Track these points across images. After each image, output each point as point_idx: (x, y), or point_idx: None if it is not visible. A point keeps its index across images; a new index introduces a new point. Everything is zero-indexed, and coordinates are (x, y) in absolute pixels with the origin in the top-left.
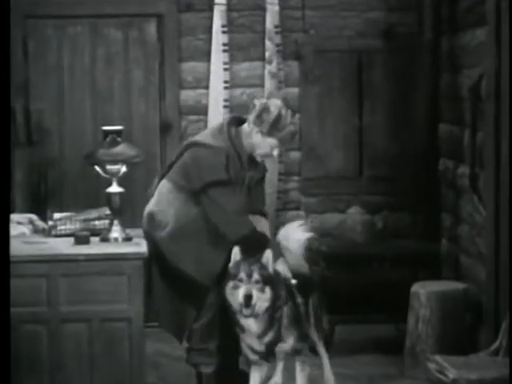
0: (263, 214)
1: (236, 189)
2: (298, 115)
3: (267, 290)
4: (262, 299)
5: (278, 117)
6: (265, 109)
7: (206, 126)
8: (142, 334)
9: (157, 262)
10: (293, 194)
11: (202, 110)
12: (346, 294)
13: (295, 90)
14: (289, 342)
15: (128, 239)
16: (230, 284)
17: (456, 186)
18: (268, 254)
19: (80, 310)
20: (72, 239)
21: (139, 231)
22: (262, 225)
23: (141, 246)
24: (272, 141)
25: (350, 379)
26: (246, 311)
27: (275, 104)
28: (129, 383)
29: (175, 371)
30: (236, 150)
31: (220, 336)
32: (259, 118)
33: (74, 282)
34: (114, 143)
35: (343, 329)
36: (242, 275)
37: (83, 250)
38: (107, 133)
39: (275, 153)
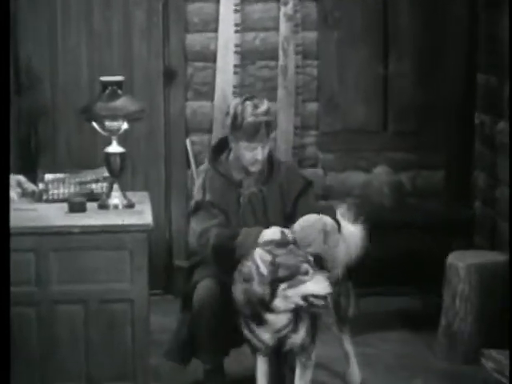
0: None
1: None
2: (265, 104)
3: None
4: None
5: (234, 115)
6: (226, 114)
7: (214, 74)
8: (146, 316)
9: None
10: (310, 149)
11: (210, 56)
12: (371, 264)
13: (313, 35)
14: (300, 334)
15: (130, 206)
16: (282, 286)
17: (493, 143)
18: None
19: (75, 289)
20: (65, 206)
21: (141, 196)
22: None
23: (144, 216)
24: (244, 144)
25: (376, 361)
26: (324, 301)
27: (233, 104)
28: (131, 373)
29: None
30: (217, 170)
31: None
32: (226, 128)
33: (68, 258)
34: (114, 96)
35: (367, 302)
36: (306, 267)
37: (78, 220)
38: (106, 84)
39: (259, 156)
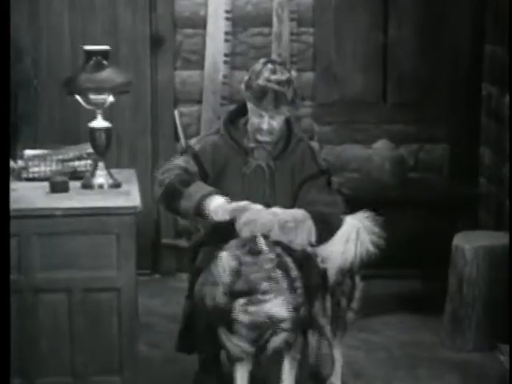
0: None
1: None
2: (285, 74)
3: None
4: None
5: (251, 72)
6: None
7: (203, 42)
8: (134, 306)
9: None
10: (305, 121)
11: (200, 23)
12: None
13: (309, 0)
14: (282, 335)
15: (116, 186)
16: (241, 301)
17: (500, 116)
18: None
19: (57, 277)
20: (46, 185)
21: (127, 174)
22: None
23: (132, 196)
24: (251, 106)
25: (379, 348)
26: (286, 324)
27: (258, 61)
28: (117, 366)
29: (169, 334)
30: (229, 132)
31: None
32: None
33: (50, 243)
34: (99, 67)
35: (367, 285)
36: (265, 286)
37: (61, 201)
38: (90, 54)
39: (264, 125)
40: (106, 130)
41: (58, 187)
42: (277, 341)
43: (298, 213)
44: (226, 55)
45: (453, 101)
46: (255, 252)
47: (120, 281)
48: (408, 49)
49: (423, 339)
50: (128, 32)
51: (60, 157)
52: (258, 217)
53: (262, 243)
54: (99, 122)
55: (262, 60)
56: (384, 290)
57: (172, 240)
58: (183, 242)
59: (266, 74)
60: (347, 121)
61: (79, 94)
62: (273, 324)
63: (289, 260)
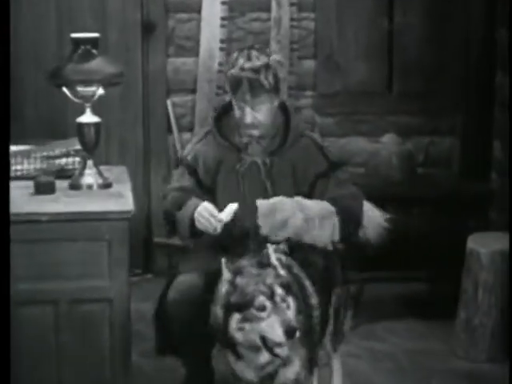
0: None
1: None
2: (261, 60)
3: (290, 301)
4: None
5: (228, 60)
6: None
7: (198, 27)
8: (127, 318)
9: None
10: (305, 112)
11: (194, 7)
12: (377, 246)
13: None
14: (293, 368)
15: (106, 186)
16: (236, 316)
17: None
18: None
19: (44, 287)
20: (31, 185)
21: (118, 172)
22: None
23: (124, 199)
24: (233, 100)
25: (384, 358)
26: (281, 351)
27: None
28: (109, 382)
29: None
30: (219, 130)
31: None
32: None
33: (35, 251)
34: (88, 57)
35: (372, 288)
36: (262, 300)
37: (47, 205)
38: (78, 42)
39: (247, 119)
40: (96, 125)
41: (44, 188)
42: (285, 375)
43: (324, 206)
44: (222, 41)
45: (463, 90)
46: (263, 265)
47: (112, 291)
48: (414, 35)
49: (432, 348)
50: (117, 17)
51: (45, 153)
52: (280, 207)
53: (272, 256)
54: (88, 117)
55: (241, 47)
56: (389, 294)
57: (164, 239)
58: (176, 241)
59: (240, 61)
60: (350, 112)
61: (66, 86)
62: (265, 347)
63: (303, 276)
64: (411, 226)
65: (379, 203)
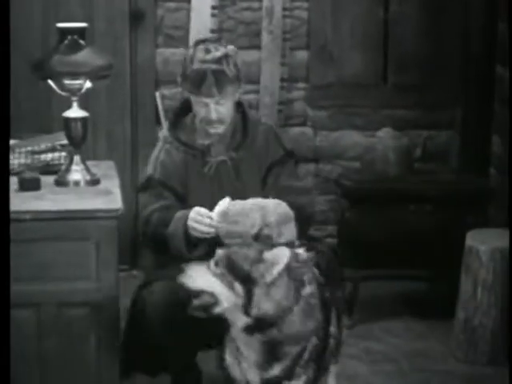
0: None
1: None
2: (220, 50)
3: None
4: None
5: (184, 60)
6: None
7: (188, 17)
8: (116, 323)
9: None
10: (298, 105)
11: None
12: (373, 243)
13: None
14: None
15: (94, 182)
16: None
17: None
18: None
19: (26, 290)
20: (15, 181)
21: (106, 167)
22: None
23: (113, 196)
24: (193, 98)
25: (383, 359)
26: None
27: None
28: None
29: None
30: (176, 137)
31: None
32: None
33: (18, 251)
34: (75, 48)
35: (368, 287)
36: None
37: (31, 202)
38: (65, 32)
39: (212, 115)
40: (83, 119)
41: (28, 185)
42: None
43: (283, 211)
44: (212, 31)
45: (461, 83)
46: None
47: (99, 294)
48: (411, 25)
49: (432, 349)
50: (104, 6)
51: (30, 148)
52: (244, 216)
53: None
54: (75, 111)
55: (193, 42)
56: (386, 293)
57: None
58: None
59: (199, 55)
60: (344, 104)
61: (52, 79)
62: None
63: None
64: (408, 223)
65: (375, 200)
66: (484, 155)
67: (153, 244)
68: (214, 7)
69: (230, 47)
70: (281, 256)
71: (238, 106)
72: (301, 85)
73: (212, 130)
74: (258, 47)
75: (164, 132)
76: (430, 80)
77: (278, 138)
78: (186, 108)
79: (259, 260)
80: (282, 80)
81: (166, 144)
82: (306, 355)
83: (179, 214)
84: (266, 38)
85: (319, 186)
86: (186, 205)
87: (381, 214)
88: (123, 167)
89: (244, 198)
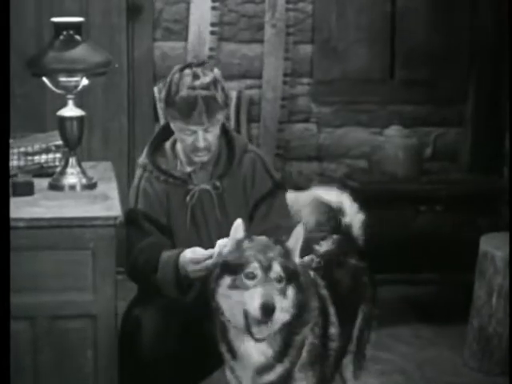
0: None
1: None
2: (210, 76)
3: (290, 292)
4: (282, 308)
5: (169, 85)
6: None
7: (187, 9)
8: (113, 337)
9: None
10: (301, 100)
11: None
12: (381, 247)
13: None
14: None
15: (90, 186)
16: (227, 280)
17: None
18: (299, 232)
19: (20, 302)
20: None
21: (103, 168)
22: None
23: (111, 201)
24: (179, 125)
25: (392, 370)
26: (258, 331)
27: (172, 71)
28: None
29: None
30: (156, 165)
31: None
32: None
33: (12, 261)
34: (71, 43)
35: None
36: (255, 267)
37: (24, 209)
38: (60, 27)
39: (200, 143)
40: (79, 119)
41: (21, 189)
42: None
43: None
44: (212, 25)
45: (471, 78)
46: (278, 241)
47: (96, 306)
48: (419, 19)
49: (443, 358)
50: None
51: (23, 149)
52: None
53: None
54: (70, 110)
55: (176, 67)
56: (395, 297)
57: None
58: None
59: (187, 81)
60: (349, 100)
61: (46, 76)
62: (246, 326)
63: (328, 300)
64: (418, 225)
65: (384, 201)
66: (497, 153)
67: (142, 286)
68: (214, 0)
69: (216, 71)
70: None
71: (223, 128)
72: (305, 80)
73: (197, 159)
74: (260, 41)
75: (143, 159)
76: (438, 75)
77: (266, 167)
78: (163, 134)
79: None
80: (286, 75)
81: (145, 172)
82: (303, 355)
83: (165, 256)
84: (268, 31)
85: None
86: (172, 237)
87: (389, 215)
88: (119, 165)
89: (228, 231)
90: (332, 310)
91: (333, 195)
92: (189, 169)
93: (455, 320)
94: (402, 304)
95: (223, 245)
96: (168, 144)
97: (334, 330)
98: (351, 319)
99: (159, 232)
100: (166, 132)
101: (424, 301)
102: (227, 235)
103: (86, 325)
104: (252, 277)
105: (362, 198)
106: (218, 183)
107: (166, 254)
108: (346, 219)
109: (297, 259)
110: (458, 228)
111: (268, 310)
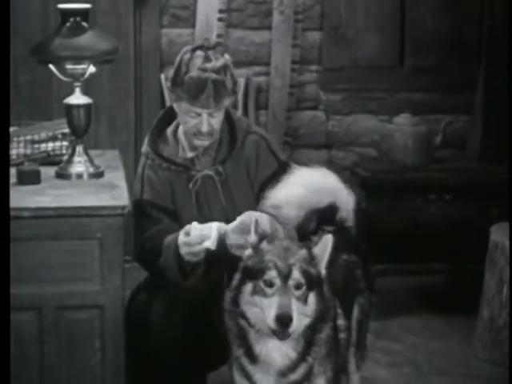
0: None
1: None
2: (221, 60)
3: (311, 300)
4: (303, 314)
5: (178, 65)
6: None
7: None
8: (121, 327)
9: None
10: (310, 88)
11: None
12: (390, 236)
13: None
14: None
15: (98, 175)
16: (249, 286)
17: None
18: (328, 240)
19: (26, 292)
20: (13, 173)
21: (110, 157)
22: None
23: (118, 190)
24: (185, 106)
25: (402, 362)
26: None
27: (182, 51)
28: None
29: None
30: (157, 152)
31: None
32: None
33: (17, 251)
34: (78, 30)
35: (384, 282)
36: (273, 275)
37: (30, 198)
38: (67, 14)
39: (204, 127)
40: (86, 106)
41: (28, 178)
42: None
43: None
44: (220, 11)
45: (481, 65)
46: (300, 245)
47: (103, 297)
48: (429, 5)
49: (453, 349)
50: None
51: (29, 137)
52: None
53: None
54: (77, 97)
55: (188, 47)
56: (403, 288)
57: None
58: None
59: (197, 62)
60: (358, 88)
61: (53, 63)
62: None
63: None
64: (427, 214)
65: (393, 190)
66: (507, 141)
67: (151, 272)
68: None
69: (227, 57)
70: None
71: (226, 112)
72: (313, 67)
73: (198, 143)
74: (268, 28)
75: (145, 147)
76: (448, 62)
77: (271, 148)
78: (165, 119)
79: None
80: (294, 62)
81: (148, 160)
82: (322, 348)
83: (167, 241)
84: (277, 18)
85: None
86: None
87: (399, 204)
88: (126, 153)
89: (232, 214)
90: (337, 302)
91: (324, 177)
92: (191, 154)
93: (465, 311)
94: (411, 295)
95: (220, 229)
96: (169, 130)
97: (341, 322)
98: (348, 313)
99: (169, 218)
100: (167, 118)
101: (434, 291)
102: (233, 220)
103: (93, 315)
104: (270, 285)
105: (371, 187)
106: (220, 169)
107: (169, 238)
108: (342, 214)
109: (323, 268)
110: (469, 217)
111: (284, 321)
